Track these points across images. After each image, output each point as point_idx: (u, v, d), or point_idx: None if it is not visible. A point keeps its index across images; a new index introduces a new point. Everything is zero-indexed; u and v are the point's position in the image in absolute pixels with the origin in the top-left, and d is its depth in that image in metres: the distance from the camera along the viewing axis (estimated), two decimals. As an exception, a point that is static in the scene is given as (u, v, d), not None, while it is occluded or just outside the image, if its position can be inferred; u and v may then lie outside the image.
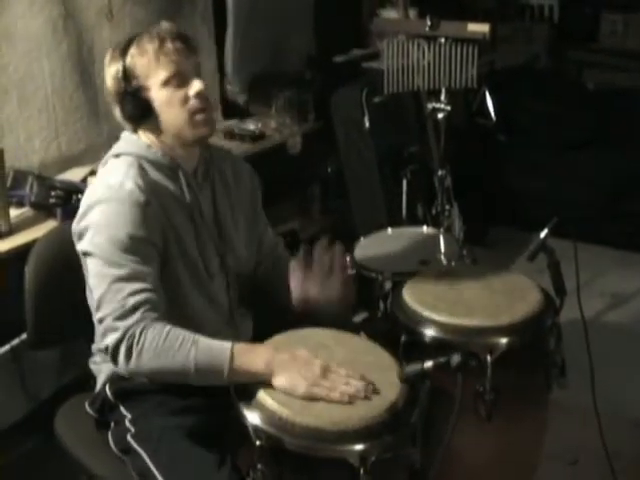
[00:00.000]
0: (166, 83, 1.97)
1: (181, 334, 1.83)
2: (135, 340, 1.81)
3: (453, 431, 1.75)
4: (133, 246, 1.88)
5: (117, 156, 2.05)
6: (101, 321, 1.87)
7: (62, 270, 1.99)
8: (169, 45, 1.96)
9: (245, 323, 2.24)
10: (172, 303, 1.96)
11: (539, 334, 2.19)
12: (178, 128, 2.01)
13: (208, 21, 3.89)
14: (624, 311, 4.01)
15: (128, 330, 1.82)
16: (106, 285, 1.86)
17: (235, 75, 4.08)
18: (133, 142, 2.06)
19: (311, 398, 1.77)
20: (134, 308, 1.83)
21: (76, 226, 1.97)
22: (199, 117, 2.00)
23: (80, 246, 1.95)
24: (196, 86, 1.98)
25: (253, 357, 1.83)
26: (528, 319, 2.15)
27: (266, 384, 1.81)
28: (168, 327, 1.84)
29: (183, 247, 2.02)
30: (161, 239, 1.96)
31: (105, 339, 1.86)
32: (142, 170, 2.00)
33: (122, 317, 1.83)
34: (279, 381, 1.80)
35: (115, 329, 1.83)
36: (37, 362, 3.02)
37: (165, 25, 2.02)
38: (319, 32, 4.59)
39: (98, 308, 1.88)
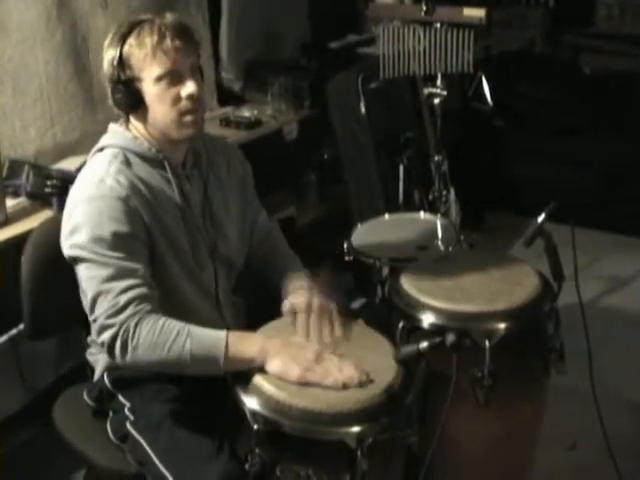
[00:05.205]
0: (159, 79, 1.93)
1: (175, 326, 1.83)
2: (130, 334, 1.81)
3: (448, 410, 1.75)
4: (118, 243, 1.87)
5: (101, 150, 2.03)
6: (95, 320, 1.87)
7: (58, 260, 1.98)
8: (168, 42, 1.91)
9: (236, 312, 2.23)
10: (162, 294, 1.95)
11: (537, 319, 2.19)
12: (165, 125, 1.98)
13: (203, 8, 3.87)
14: (622, 295, 4.01)
15: (122, 325, 1.82)
16: (96, 286, 1.85)
17: (230, 62, 4.07)
18: (119, 134, 2.04)
19: (304, 383, 1.78)
20: (126, 305, 1.83)
21: (64, 229, 1.95)
22: (188, 118, 1.97)
23: (67, 252, 1.93)
24: (189, 88, 1.94)
25: (247, 344, 1.85)
26: (526, 304, 2.14)
27: (262, 369, 1.82)
28: (162, 320, 1.84)
29: (171, 239, 2.00)
30: (146, 232, 1.94)
31: (101, 336, 1.85)
32: (126, 163, 1.98)
33: (115, 314, 1.83)
34: (272, 366, 1.81)
35: (109, 326, 1.83)
36: (35, 352, 3.02)
37: (169, 18, 1.96)
38: (314, 18, 4.57)
39: (92, 309, 1.87)
